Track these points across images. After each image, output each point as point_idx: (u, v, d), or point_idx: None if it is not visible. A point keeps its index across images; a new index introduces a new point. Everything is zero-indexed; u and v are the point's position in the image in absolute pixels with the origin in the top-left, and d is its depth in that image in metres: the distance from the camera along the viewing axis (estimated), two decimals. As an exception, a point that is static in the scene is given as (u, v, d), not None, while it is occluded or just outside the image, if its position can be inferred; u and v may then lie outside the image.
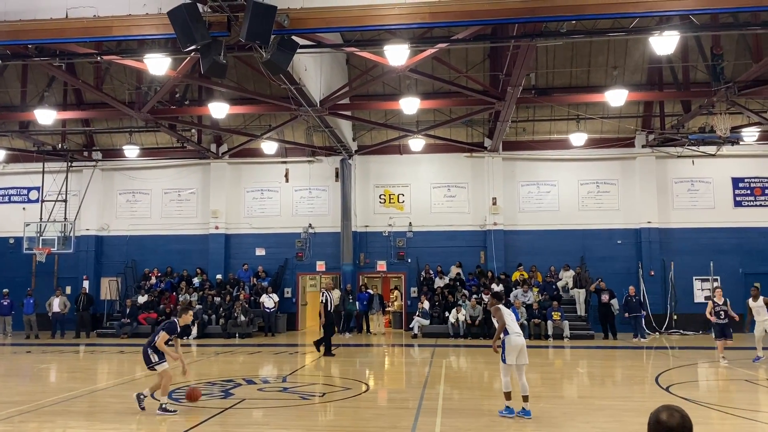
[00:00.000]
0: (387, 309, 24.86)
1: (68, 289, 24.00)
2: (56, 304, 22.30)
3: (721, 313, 14.37)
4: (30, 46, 13.75)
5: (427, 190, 24.03)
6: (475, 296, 21.30)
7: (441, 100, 20.65)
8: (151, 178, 25.19)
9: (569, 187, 23.36)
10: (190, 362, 15.25)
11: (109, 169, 25.33)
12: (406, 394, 10.89)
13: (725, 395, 10.78)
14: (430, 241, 23.57)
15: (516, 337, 8.24)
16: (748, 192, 22.73)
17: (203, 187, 24.95)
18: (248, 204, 24.74)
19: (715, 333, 14.70)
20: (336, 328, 22.48)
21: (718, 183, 22.80)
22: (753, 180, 22.76)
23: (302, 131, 23.94)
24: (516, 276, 22.43)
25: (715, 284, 18.24)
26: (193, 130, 23.48)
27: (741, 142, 21.11)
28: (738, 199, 22.76)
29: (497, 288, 21.66)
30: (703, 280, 22.32)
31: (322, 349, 15.99)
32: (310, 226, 24.16)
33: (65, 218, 23.35)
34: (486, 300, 21.08)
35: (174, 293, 22.96)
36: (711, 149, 21.63)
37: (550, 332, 20.08)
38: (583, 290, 21.38)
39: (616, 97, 17.82)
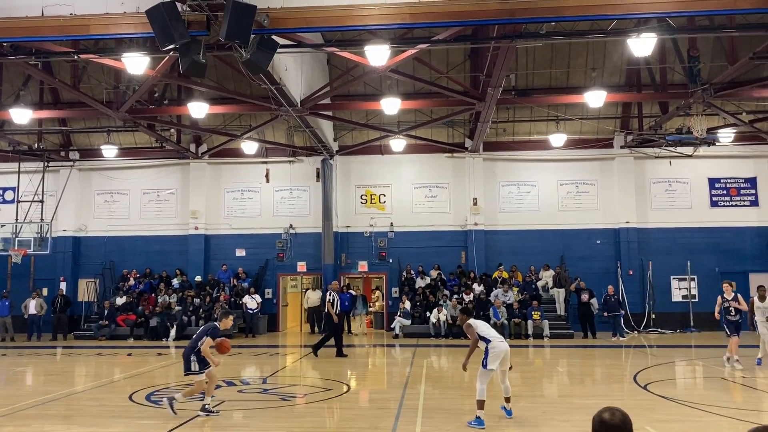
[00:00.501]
0: (370, 309, 24.87)
1: (45, 291, 23.64)
2: (32, 306, 21.96)
3: (731, 309, 13.08)
4: (5, 44, 13.54)
5: (408, 191, 24.07)
6: (456, 296, 21.37)
7: (422, 100, 20.69)
8: (129, 179, 24.92)
9: (549, 188, 23.54)
10: (170, 364, 15.13)
11: (87, 169, 25.01)
12: (387, 394, 10.89)
13: (702, 393, 10.93)
14: (411, 242, 23.61)
15: (499, 342, 8.07)
16: (724, 192, 23.08)
17: (182, 187, 24.74)
18: (228, 204, 24.59)
19: (729, 330, 13.24)
20: (317, 328, 22.54)
21: (695, 183, 23.12)
22: (729, 180, 23.11)
23: (283, 131, 23.85)
24: (496, 275, 22.55)
25: (724, 281, 15.24)
26: (172, 130, 23.26)
27: (717, 143, 21.43)
28: (714, 199, 23.10)
29: (479, 288, 21.78)
30: (680, 280, 22.64)
31: (324, 352, 15.81)
32: (291, 226, 24.08)
33: (41, 219, 22.99)
34: (467, 300, 21.21)
35: (153, 294, 22.73)
36: (688, 150, 21.93)
37: (530, 331, 20.21)
38: (563, 290, 21.55)
39: (595, 98, 17.99)
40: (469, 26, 14.97)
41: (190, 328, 21.40)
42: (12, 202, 24.02)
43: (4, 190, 24.97)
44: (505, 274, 22.51)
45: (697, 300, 22.30)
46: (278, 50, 11.92)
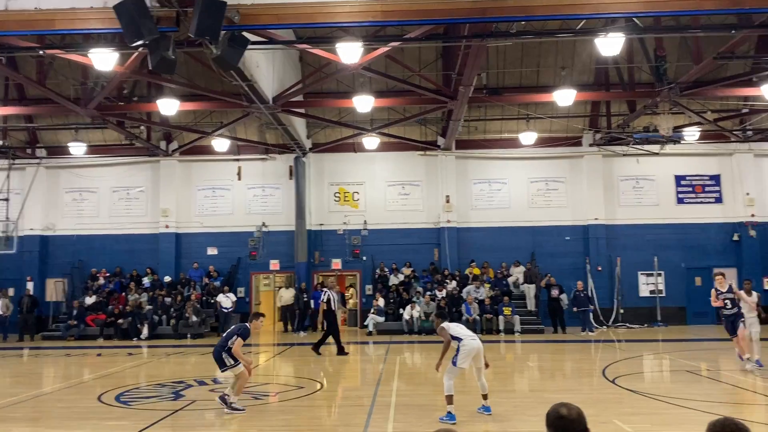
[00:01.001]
0: (346, 306, 24.87)
1: (11, 291, 23.14)
2: (-2, 306, 21.50)
3: (728, 302, 11.93)
4: (-33, 38, 13.21)
5: (381, 189, 24.11)
6: (429, 293, 21.50)
7: (395, 98, 20.73)
8: (98, 176, 24.51)
9: (519, 185, 23.80)
10: (140, 364, 14.96)
11: (54, 167, 24.53)
12: (360, 391, 10.92)
13: (668, 386, 11.17)
14: (384, 239, 23.66)
15: (471, 340, 8.18)
16: (690, 189, 23.58)
17: (153, 185, 24.43)
18: (199, 202, 24.34)
19: (726, 328, 12.28)
20: (290, 326, 22.47)
21: (662, 181, 23.57)
22: (694, 178, 23.61)
23: (255, 128, 23.69)
24: (468, 272, 22.73)
25: (715, 271, 14.44)
26: (142, 127, 22.95)
27: (683, 142, 21.87)
28: (680, 196, 23.58)
29: (451, 285, 21.91)
30: (647, 275, 23.07)
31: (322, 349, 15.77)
32: (263, 224, 23.94)
33: (7, 218, 22.50)
34: (440, 296, 21.37)
35: (123, 294, 22.42)
36: (655, 148, 22.35)
37: (501, 327, 20.43)
38: (534, 285, 21.83)
39: (565, 96, 18.21)
40: (440, 24, 15.02)
41: (162, 327, 21.21)
42: (-24, 200, 23.44)
43: (-32, 188, 24.37)
44: (477, 271, 22.71)
45: (664, 295, 22.77)
46: (249, 47, 11.85)
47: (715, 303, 12.25)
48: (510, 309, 20.75)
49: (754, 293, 12.22)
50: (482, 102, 21.23)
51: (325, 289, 16.29)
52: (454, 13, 11.61)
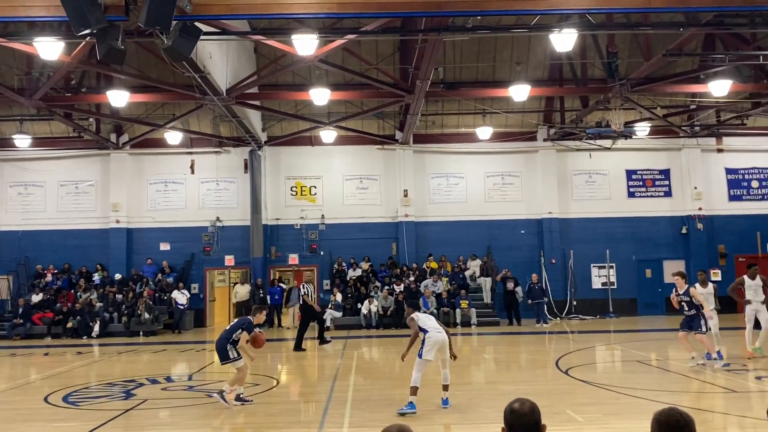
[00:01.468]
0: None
1: (-48, 290, 22.23)
2: (-63, 305, 20.61)
3: (683, 304, 11.49)
4: None
5: (339, 182, 23.98)
6: (387, 287, 21.51)
7: (352, 91, 20.62)
8: (45, 170, 23.68)
9: (476, 180, 24.00)
10: (90, 363, 14.55)
11: (-2, 160, 23.62)
12: (317, 387, 10.85)
13: (619, 376, 11.44)
14: (342, 233, 23.55)
15: (436, 333, 8.31)
16: (640, 183, 24.19)
17: (103, 179, 23.74)
18: (151, 197, 23.77)
19: (681, 324, 11.71)
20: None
21: (613, 175, 24.10)
22: (645, 172, 24.22)
23: (208, 121, 23.22)
24: (426, 266, 22.83)
25: (677, 272, 12.61)
26: (90, 119, 22.24)
27: (634, 137, 22.39)
28: (631, 190, 24.16)
29: (411, 278, 21.94)
30: (600, 267, 23.60)
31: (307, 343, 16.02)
32: (217, 219, 23.53)
33: (-53, 213, 21.57)
34: (398, 291, 21.42)
35: (72, 291, 21.76)
36: (607, 143, 22.84)
37: (458, 320, 20.61)
38: (490, 278, 22.08)
39: (519, 92, 18.40)
40: (397, 18, 15.01)
41: (113, 325, 20.68)
42: None
43: None
44: (435, 265, 22.83)
45: (615, 287, 23.32)
46: (202, 37, 11.57)
47: (676, 305, 11.80)
48: (467, 302, 20.94)
49: (710, 284, 12.23)
50: (439, 96, 21.32)
51: (303, 284, 16.38)
52: (410, 7, 11.56)
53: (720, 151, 24.20)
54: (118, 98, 17.70)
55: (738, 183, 24.21)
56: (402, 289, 21.46)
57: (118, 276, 22.57)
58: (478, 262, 22.75)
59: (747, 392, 9.17)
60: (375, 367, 13.39)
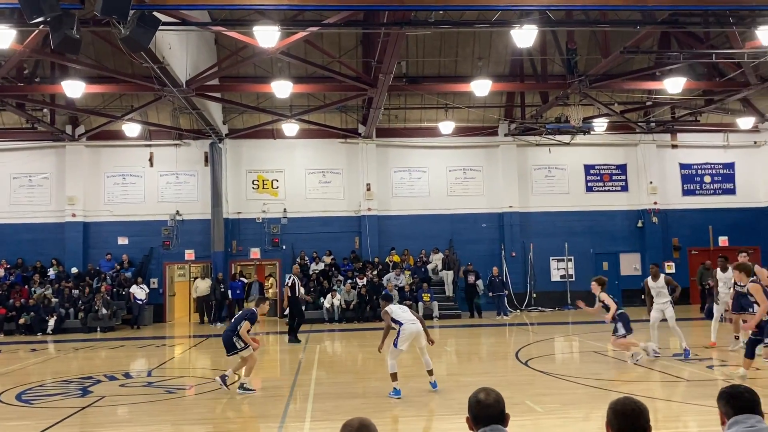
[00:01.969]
0: (266, 297, 24.47)
1: None
2: None
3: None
4: None
5: (301, 176, 23.83)
6: (350, 281, 21.51)
7: (314, 84, 20.49)
8: (-4, 162, 22.95)
9: (438, 174, 24.14)
10: (45, 360, 14.20)
11: (-54, 152, 22.76)
12: (278, 381, 10.80)
13: (577, 366, 11.69)
14: (305, 227, 23.43)
15: (410, 325, 8.67)
16: (598, 178, 24.69)
17: (58, 171, 23.10)
18: (109, 190, 23.24)
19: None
20: (207, 317, 21.92)
21: (572, 170, 24.54)
22: (602, 167, 24.73)
23: (168, 113, 22.78)
24: (389, 259, 22.91)
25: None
26: (45, 110, 21.62)
27: (592, 132, 22.80)
28: (589, 184, 24.65)
29: (374, 272, 21.97)
30: (558, 260, 24.04)
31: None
32: (177, 212, 23.14)
33: None
34: (360, 284, 21.45)
35: (26, 286, 21.16)
36: (566, 138, 23.22)
37: (420, 313, 20.70)
38: (452, 272, 22.28)
39: (481, 87, 18.53)
40: (359, 11, 14.97)
41: (69, 321, 20.19)
42: None
43: None
44: (397, 258, 22.92)
45: (573, 279, 23.77)
46: (161, 28, 11.35)
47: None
48: (429, 295, 21.10)
49: (662, 275, 11.94)
50: (402, 90, 21.35)
51: (289, 275, 16.34)
52: (372, 0, 11.57)
53: (675, 146, 24.86)
54: (74, 89, 17.21)
55: (691, 178, 24.92)
56: (365, 283, 21.49)
57: (74, 270, 22.04)
58: (441, 255, 22.93)
59: (699, 381, 9.47)
60: (337, 361, 13.39)
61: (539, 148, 24.09)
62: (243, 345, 9.37)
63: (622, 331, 10.96)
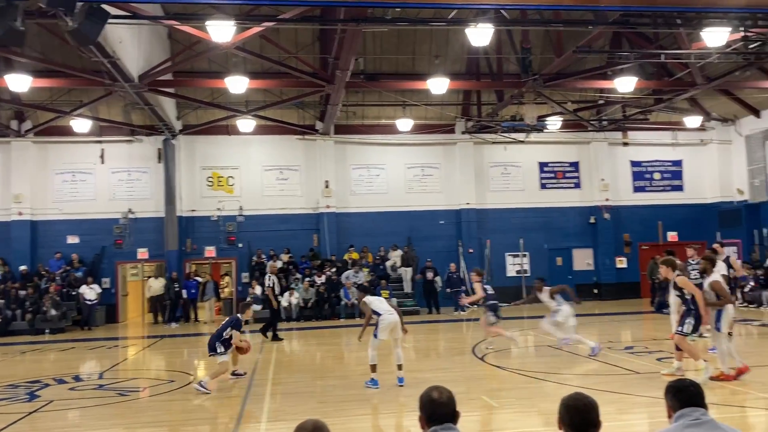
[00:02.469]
0: (221, 296, 24.15)
1: None
2: None
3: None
4: None
5: (258, 173, 23.55)
6: (308, 279, 21.38)
7: (271, 80, 20.25)
8: (-64, 158, 22.00)
9: (397, 171, 24.20)
10: (-11, 364, 13.69)
11: None
12: (235, 382, 10.65)
13: (532, 361, 11.88)
14: (262, 225, 23.16)
15: (389, 315, 8.97)
16: (552, 175, 25.14)
17: (3, 169, 22.26)
18: (57, 187, 22.53)
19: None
20: (161, 317, 21.50)
21: (527, 167, 24.91)
22: (556, 165, 25.18)
23: (119, 108, 22.17)
24: (347, 257, 22.85)
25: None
26: (-12, 105, 20.83)
27: (546, 130, 23.19)
28: (543, 181, 25.07)
29: (332, 270, 21.87)
30: (514, 256, 24.39)
31: (269, 335, 15.76)
32: (129, 211, 22.58)
33: None
34: (319, 282, 21.35)
35: (-31, 288, 20.36)
36: (521, 136, 23.54)
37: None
38: (410, 268, 22.36)
39: (438, 85, 18.59)
40: (316, 6, 14.87)
41: (16, 322, 19.52)
42: None
43: None
44: (356, 256, 22.86)
45: (528, 274, 24.10)
46: (111, 21, 11.05)
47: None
48: (387, 292, 21.08)
49: (546, 288, 12.69)
50: (360, 87, 21.29)
51: (268, 275, 16.25)
52: (329, -4, 11.49)
53: (625, 144, 25.49)
54: (19, 83, 16.57)
55: (641, 175, 25.59)
56: (323, 281, 21.39)
57: (23, 268, 21.31)
58: (399, 252, 22.99)
59: (648, 373, 9.73)
60: (295, 360, 13.30)
61: (495, 146, 24.39)
62: (223, 350, 9.65)
63: (492, 319, 12.38)
